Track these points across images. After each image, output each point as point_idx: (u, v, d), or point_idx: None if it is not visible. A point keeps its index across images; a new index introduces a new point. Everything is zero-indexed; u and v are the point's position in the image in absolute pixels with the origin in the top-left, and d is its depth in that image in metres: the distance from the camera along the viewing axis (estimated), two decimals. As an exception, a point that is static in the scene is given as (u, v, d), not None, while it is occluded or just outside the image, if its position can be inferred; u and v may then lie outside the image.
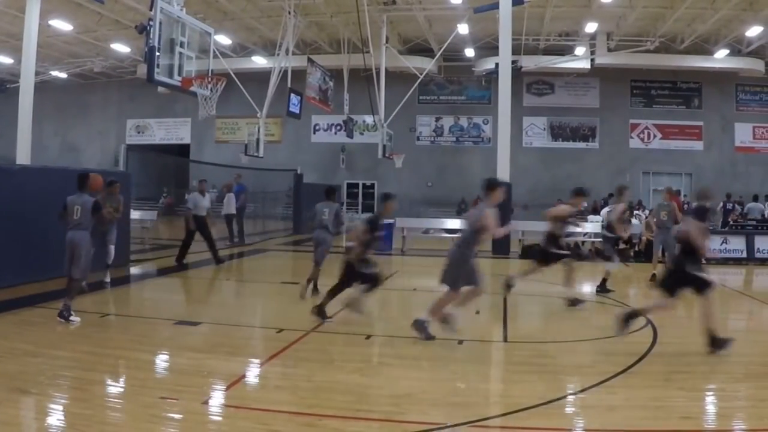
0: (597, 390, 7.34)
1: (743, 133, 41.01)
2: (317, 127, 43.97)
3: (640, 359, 8.61)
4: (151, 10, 15.05)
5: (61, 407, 6.49)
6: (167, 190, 43.77)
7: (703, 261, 9.15)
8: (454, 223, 24.74)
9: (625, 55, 36.31)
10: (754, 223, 27.04)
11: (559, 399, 7.14)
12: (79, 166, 33.31)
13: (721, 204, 31.24)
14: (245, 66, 37.62)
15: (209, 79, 17.06)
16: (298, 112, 31.22)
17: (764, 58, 37.91)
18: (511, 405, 6.81)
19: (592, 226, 23.28)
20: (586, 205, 24.60)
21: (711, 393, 7.47)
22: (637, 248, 21.97)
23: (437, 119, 43.27)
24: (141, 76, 34.65)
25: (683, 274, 8.77)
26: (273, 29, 33.33)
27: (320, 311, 10.54)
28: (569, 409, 6.98)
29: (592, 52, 37.38)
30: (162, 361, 8.46)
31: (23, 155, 23.27)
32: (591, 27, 34.09)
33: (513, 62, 26.04)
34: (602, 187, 35.52)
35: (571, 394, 7.36)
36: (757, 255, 21.62)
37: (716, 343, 8.68)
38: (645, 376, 7.89)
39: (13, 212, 13.19)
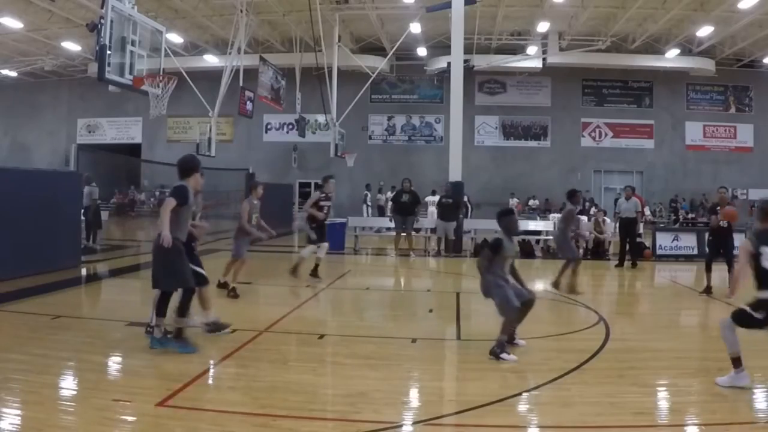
0: (551, 387, 7.42)
1: (694, 132, 41.71)
2: (269, 126, 43.82)
3: (593, 356, 8.71)
4: (102, 8, 14.93)
5: (12, 411, 6.42)
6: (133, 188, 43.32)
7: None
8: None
9: (576, 55, 36.71)
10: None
11: (513, 396, 7.19)
12: (29, 166, 33.07)
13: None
14: (197, 65, 37.38)
15: (160, 78, 16.98)
16: (249, 111, 31.13)
17: (714, 58, 38.61)
18: (466, 403, 6.86)
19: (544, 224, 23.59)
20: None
21: (664, 388, 7.57)
22: (587, 246, 22.19)
23: (389, 118, 43.36)
24: (92, 74, 34.24)
25: None
26: (225, 28, 33.19)
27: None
28: (523, 407, 7.04)
29: (544, 52, 37.74)
30: (115, 363, 8.39)
31: (-28, 155, 22.94)
32: (543, 26, 34.43)
33: (465, 61, 26.19)
34: (554, 186, 35.90)
35: (525, 391, 7.40)
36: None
37: None
38: (598, 373, 7.99)
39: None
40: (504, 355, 8.40)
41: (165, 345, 8.54)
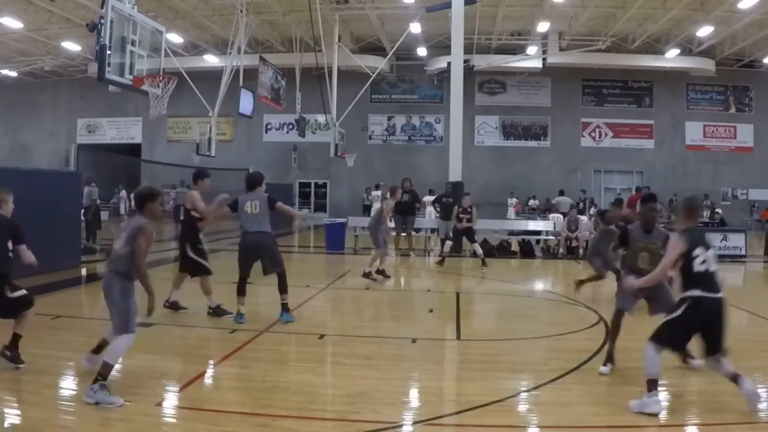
0: (551, 387, 7.45)
1: (694, 132, 41.64)
2: (269, 126, 43.77)
3: (593, 356, 8.72)
4: (102, 8, 14.93)
5: (13, 411, 6.43)
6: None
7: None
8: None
9: (576, 55, 36.68)
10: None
11: (513, 396, 7.23)
12: (29, 166, 33.05)
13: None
14: (197, 65, 37.32)
15: (160, 78, 16.99)
16: (250, 111, 31.14)
17: (714, 58, 38.56)
18: (465, 403, 6.87)
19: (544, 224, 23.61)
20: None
21: (663, 388, 7.56)
22: (587, 245, 22.19)
23: (389, 118, 43.31)
24: (92, 74, 34.20)
25: None
26: (225, 28, 33.17)
27: None
28: (523, 407, 7.06)
29: (544, 52, 37.71)
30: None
31: (-28, 156, 22.95)
32: (543, 26, 34.40)
33: (465, 61, 26.21)
34: (554, 186, 35.88)
35: (524, 391, 7.43)
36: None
37: None
38: (598, 373, 8.01)
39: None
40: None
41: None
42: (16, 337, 7.69)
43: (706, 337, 6.67)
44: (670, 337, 6.86)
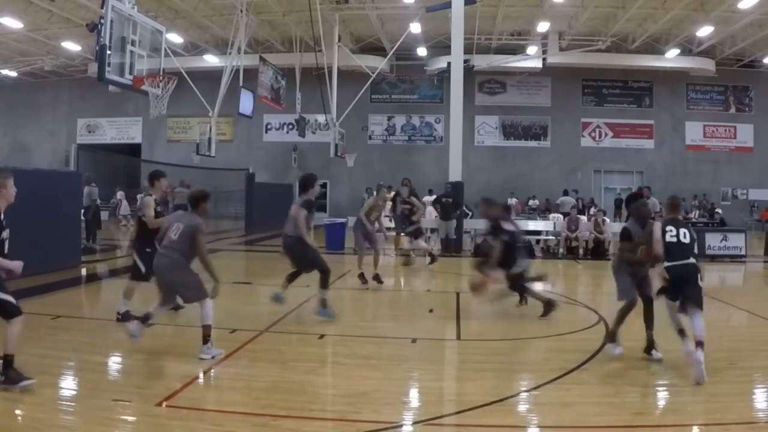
0: (551, 387, 7.44)
1: (694, 132, 41.62)
2: (269, 126, 43.75)
3: (593, 356, 8.73)
4: (102, 8, 14.93)
5: (13, 411, 6.42)
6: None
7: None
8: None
9: (576, 55, 36.66)
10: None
11: (513, 396, 7.23)
12: (29, 166, 33.05)
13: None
14: (197, 65, 37.29)
15: (160, 78, 16.99)
16: (249, 111, 31.15)
17: (714, 58, 38.54)
18: (465, 403, 6.88)
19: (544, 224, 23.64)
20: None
21: (663, 388, 7.58)
22: (587, 245, 22.21)
23: (389, 118, 43.28)
24: (92, 74, 34.18)
25: None
26: (225, 28, 33.16)
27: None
28: (523, 407, 7.07)
29: (544, 52, 37.69)
30: (115, 363, 8.41)
31: (-28, 156, 22.95)
32: (543, 26, 34.38)
33: (465, 61, 26.22)
34: (554, 186, 35.89)
35: (524, 391, 7.44)
36: (708, 252, 21.93)
37: None
38: (598, 373, 8.03)
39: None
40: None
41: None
42: (6, 358, 6.97)
43: (683, 294, 8.07)
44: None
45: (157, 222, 10.20)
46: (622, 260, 9.10)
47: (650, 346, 8.79)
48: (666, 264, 8.06)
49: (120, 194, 34.50)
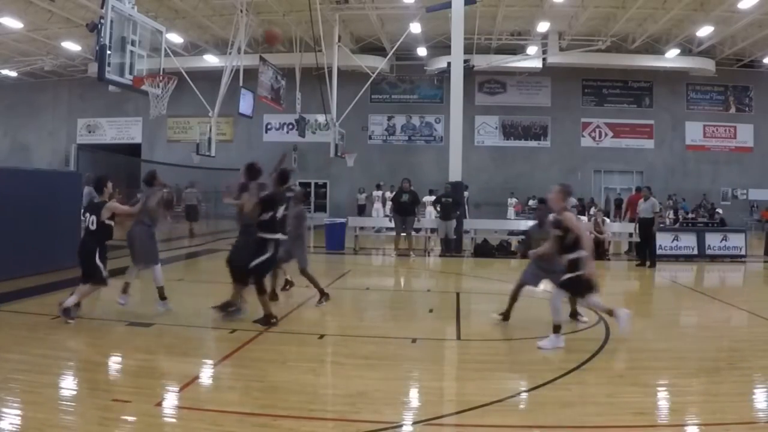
0: (551, 387, 7.42)
1: (694, 132, 41.66)
2: (269, 126, 43.77)
3: (594, 356, 8.72)
4: (102, 8, 14.91)
5: (12, 411, 6.42)
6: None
7: None
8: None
9: (576, 55, 36.66)
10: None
11: (513, 396, 7.22)
12: (29, 166, 33.05)
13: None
14: (197, 65, 37.33)
15: (160, 78, 16.97)
16: (249, 111, 31.14)
17: (714, 58, 38.57)
18: (466, 403, 6.87)
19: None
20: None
21: (664, 388, 7.57)
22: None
23: (389, 118, 43.31)
24: (92, 74, 34.21)
25: None
26: (225, 28, 33.18)
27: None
28: (523, 407, 7.05)
29: (544, 52, 37.71)
30: (114, 363, 8.40)
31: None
32: (543, 26, 34.41)
33: (465, 61, 26.19)
34: (554, 186, 35.82)
35: (524, 391, 7.43)
36: (708, 252, 21.96)
37: None
38: (598, 373, 8.01)
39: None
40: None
41: None
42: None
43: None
44: (578, 290, 9.39)
45: (130, 210, 11.18)
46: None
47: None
48: (582, 254, 9.06)
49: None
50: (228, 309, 10.69)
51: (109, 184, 10.91)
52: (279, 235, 10.26)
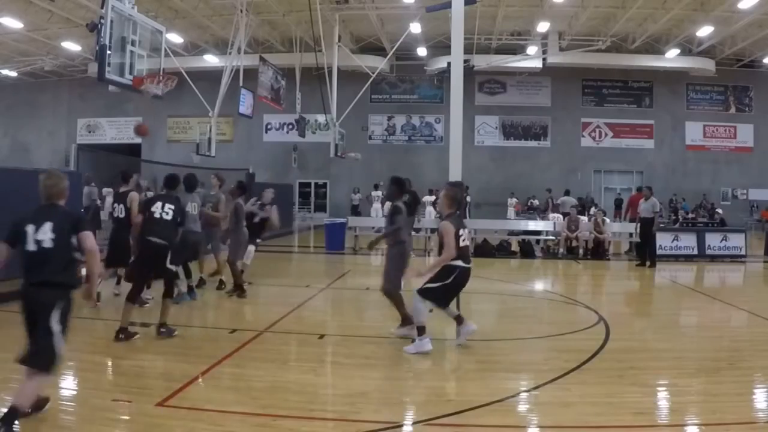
0: (550, 387, 7.42)
1: (694, 132, 41.69)
2: (269, 126, 43.80)
3: (593, 356, 8.72)
4: (102, 8, 14.89)
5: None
6: None
7: None
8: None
9: (576, 55, 36.66)
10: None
11: (512, 396, 7.22)
12: (29, 166, 33.01)
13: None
14: (197, 65, 37.34)
15: (161, 77, 16.96)
16: (249, 111, 31.14)
17: (714, 58, 38.57)
18: (465, 403, 6.85)
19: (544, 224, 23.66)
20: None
21: (663, 388, 7.57)
22: (587, 245, 22.18)
23: (389, 118, 43.32)
24: (92, 74, 34.15)
25: None
26: (225, 28, 33.16)
27: None
28: (523, 407, 7.05)
29: (544, 52, 37.71)
30: (115, 363, 8.39)
31: (-28, 156, 22.93)
32: (543, 26, 34.41)
33: (465, 61, 26.11)
34: (554, 186, 35.84)
35: (524, 391, 7.43)
36: (708, 252, 21.96)
37: None
38: (598, 373, 8.00)
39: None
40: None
41: None
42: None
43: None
44: (439, 297, 9.00)
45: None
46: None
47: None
48: (459, 264, 8.93)
49: (105, 191, 34.44)
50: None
51: (135, 176, 11.56)
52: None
